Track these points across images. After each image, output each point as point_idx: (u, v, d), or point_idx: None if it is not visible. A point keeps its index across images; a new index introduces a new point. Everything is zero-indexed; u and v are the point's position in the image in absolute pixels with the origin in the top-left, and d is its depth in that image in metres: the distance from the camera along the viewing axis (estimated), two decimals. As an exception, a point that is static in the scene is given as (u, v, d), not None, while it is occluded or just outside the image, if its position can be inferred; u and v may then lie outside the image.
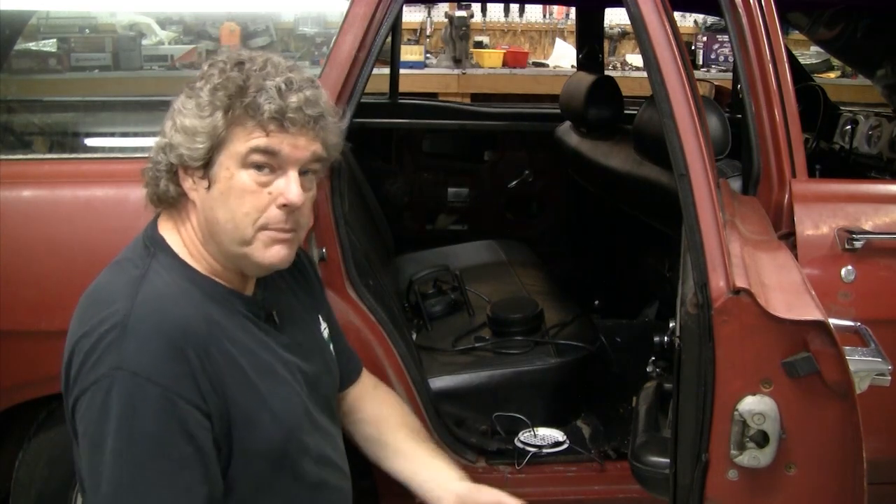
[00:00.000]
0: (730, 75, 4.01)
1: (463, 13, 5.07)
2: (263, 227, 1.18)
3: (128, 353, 1.08)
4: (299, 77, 1.19)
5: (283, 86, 1.15)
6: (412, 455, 1.48)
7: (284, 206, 1.18)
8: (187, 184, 1.20)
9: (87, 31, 4.62)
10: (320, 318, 1.45)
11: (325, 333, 1.45)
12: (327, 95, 1.24)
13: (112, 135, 2.82)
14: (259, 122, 1.14)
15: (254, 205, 1.17)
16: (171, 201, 1.23)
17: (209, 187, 1.18)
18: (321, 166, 1.25)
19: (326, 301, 1.53)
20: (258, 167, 1.16)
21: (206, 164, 1.17)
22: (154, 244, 1.22)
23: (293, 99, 1.15)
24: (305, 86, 1.18)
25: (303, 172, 1.20)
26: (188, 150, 1.16)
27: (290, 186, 1.17)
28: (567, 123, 3.07)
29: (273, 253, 1.20)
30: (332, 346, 1.46)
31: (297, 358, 1.30)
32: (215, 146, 1.16)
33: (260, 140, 1.15)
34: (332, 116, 1.23)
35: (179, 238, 1.23)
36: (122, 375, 1.07)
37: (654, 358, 1.98)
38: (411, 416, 1.58)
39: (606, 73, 3.35)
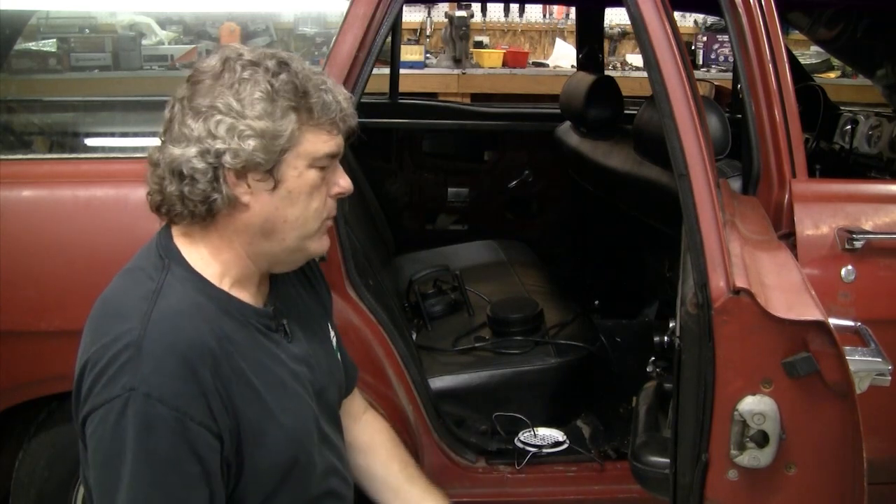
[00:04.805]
0: (730, 75, 4.00)
1: (463, 13, 5.07)
2: (327, 218, 1.25)
3: (142, 374, 1.07)
4: (326, 76, 1.22)
5: (330, 86, 1.19)
6: (403, 493, 1.49)
7: (340, 194, 1.25)
8: (240, 189, 1.15)
9: (87, 31, 4.62)
10: (329, 327, 1.45)
11: (334, 341, 1.45)
12: None
13: (112, 135, 2.82)
14: (327, 123, 1.18)
15: (321, 199, 1.22)
16: (202, 215, 1.16)
17: (274, 187, 1.17)
18: None
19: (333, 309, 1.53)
20: (321, 166, 1.21)
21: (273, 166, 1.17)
22: (168, 255, 1.19)
23: (343, 102, 1.20)
24: (337, 85, 1.22)
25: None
26: (265, 153, 1.13)
27: (344, 177, 1.25)
28: (567, 123, 3.06)
29: (325, 242, 1.27)
30: (339, 354, 1.46)
31: (307, 369, 1.30)
32: (286, 147, 1.16)
33: (331, 144, 1.19)
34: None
35: (196, 248, 1.20)
36: (135, 396, 1.06)
37: (654, 358, 1.98)
38: (401, 447, 1.55)
39: (606, 73, 3.35)
